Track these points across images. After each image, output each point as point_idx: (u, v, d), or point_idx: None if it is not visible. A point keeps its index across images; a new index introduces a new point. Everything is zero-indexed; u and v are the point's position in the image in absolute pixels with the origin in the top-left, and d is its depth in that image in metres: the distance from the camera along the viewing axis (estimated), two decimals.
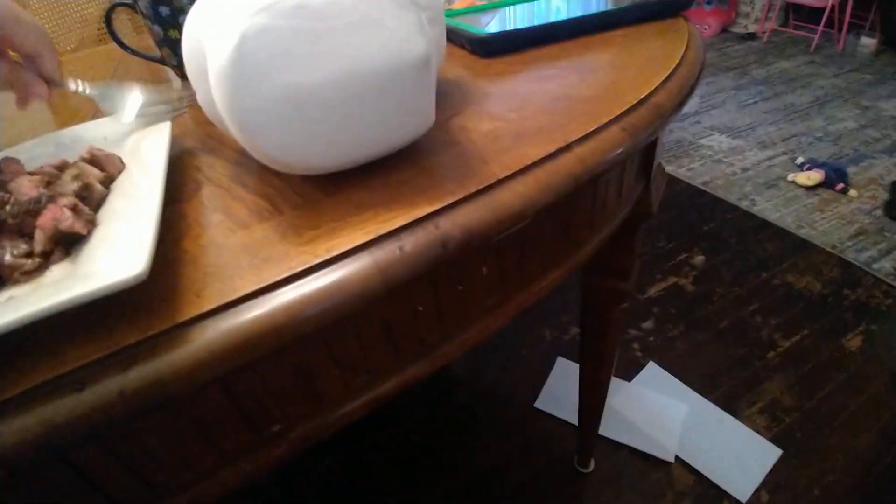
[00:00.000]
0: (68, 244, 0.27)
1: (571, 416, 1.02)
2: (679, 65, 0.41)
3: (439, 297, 0.33)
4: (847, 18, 2.64)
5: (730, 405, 1.03)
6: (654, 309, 1.26)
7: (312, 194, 0.30)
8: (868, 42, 2.61)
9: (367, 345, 0.31)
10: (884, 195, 1.58)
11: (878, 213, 1.52)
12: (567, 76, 0.42)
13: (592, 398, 0.80)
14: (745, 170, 1.78)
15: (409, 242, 0.25)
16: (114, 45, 0.54)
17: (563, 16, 0.52)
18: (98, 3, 1.09)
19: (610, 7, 0.52)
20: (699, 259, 1.40)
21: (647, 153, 0.46)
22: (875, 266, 1.34)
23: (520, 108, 0.38)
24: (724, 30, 3.13)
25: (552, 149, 0.31)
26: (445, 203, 0.27)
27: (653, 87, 0.37)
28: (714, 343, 1.17)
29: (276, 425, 0.31)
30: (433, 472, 0.97)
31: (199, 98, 0.31)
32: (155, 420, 0.26)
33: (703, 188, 1.69)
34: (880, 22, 2.62)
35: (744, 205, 1.60)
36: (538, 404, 1.06)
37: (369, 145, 0.28)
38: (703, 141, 1.98)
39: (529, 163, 0.30)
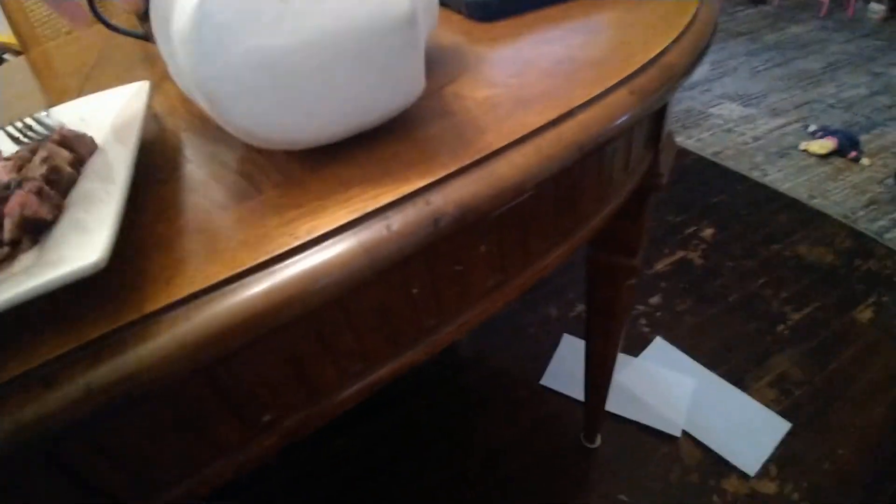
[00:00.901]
0: (37, 231, 0.26)
1: (578, 393, 1.02)
2: (692, 22, 0.38)
3: (436, 278, 0.31)
4: None
5: (738, 379, 1.02)
6: (661, 283, 1.24)
7: (296, 172, 0.28)
8: (877, 8, 2.50)
9: (360, 330, 0.29)
10: None
11: (891, 181, 1.47)
12: (571, 38, 0.39)
13: (599, 374, 0.79)
14: (756, 139, 1.72)
15: (398, 220, 0.23)
16: None
17: None
18: None
19: None
20: (708, 232, 1.37)
21: (656, 120, 0.43)
22: (887, 236, 1.30)
23: (520, 74, 0.35)
24: None
25: (553, 116, 0.29)
26: (437, 177, 0.25)
27: (664, 46, 0.35)
28: (723, 317, 1.15)
29: (267, 415, 0.29)
30: (443, 453, 0.97)
31: (171, 71, 0.28)
32: (137, 414, 0.25)
33: (714, 159, 1.64)
34: None
35: (755, 175, 1.55)
36: (544, 381, 1.06)
37: (354, 116, 0.26)
38: (714, 110, 1.92)
39: (529, 131, 0.28)
